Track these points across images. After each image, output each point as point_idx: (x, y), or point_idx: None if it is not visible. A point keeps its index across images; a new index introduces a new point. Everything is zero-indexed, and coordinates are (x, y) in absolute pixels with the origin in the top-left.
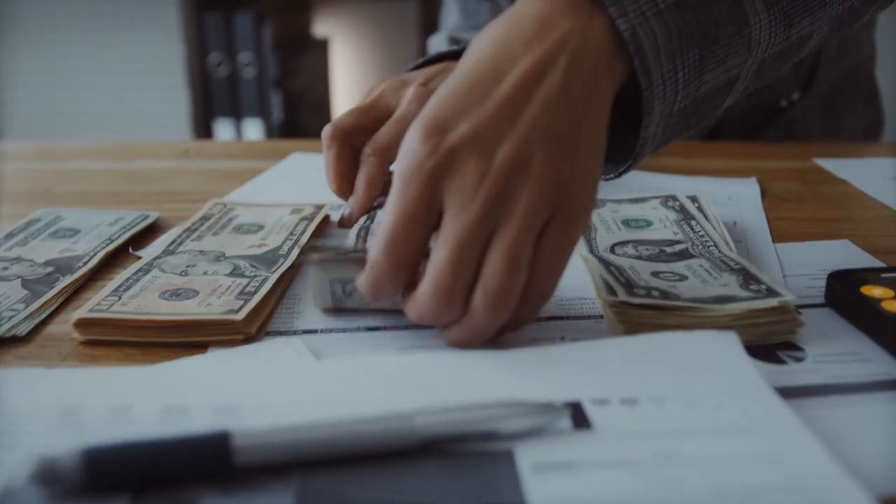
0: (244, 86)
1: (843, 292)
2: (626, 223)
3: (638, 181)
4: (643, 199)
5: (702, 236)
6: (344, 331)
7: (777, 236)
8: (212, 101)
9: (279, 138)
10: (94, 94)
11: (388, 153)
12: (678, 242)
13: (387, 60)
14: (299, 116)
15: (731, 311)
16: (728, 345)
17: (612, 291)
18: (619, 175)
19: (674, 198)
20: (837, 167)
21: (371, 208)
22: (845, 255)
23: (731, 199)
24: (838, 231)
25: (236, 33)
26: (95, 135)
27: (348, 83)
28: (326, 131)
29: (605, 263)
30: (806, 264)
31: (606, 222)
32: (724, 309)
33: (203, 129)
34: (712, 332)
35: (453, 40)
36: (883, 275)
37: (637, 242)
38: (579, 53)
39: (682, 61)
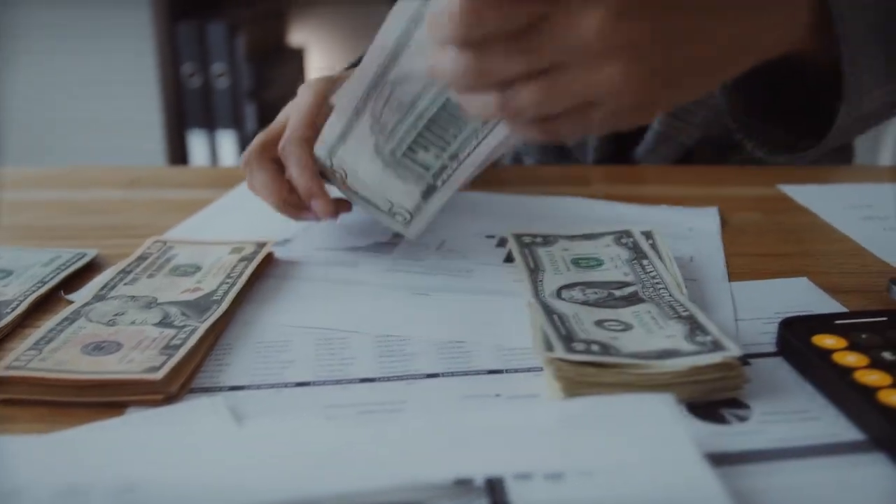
0: (217, 97)
1: (794, 342)
2: (577, 262)
3: (598, 212)
4: (596, 236)
5: (653, 277)
6: (272, 386)
7: (734, 273)
8: (185, 113)
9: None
10: (65, 105)
11: (302, 139)
12: (628, 285)
13: None
14: None
15: (672, 368)
16: (663, 410)
17: (550, 346)
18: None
19: (628, 234)
20: (801, 194)
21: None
22: (803, 295)
23: (691, 230)
24: (797, 267)
25: (209, 43)
26: (66, 145)
27: None
28: (245, 159)
29: (549, 311)
30: (761, 306)
31: (556, 262)
32: (665, 366)
33: (176, 141)
34: (647, 396)
35: None
36: (837, 322)
37: (585, 285)
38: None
39: (876, 61)
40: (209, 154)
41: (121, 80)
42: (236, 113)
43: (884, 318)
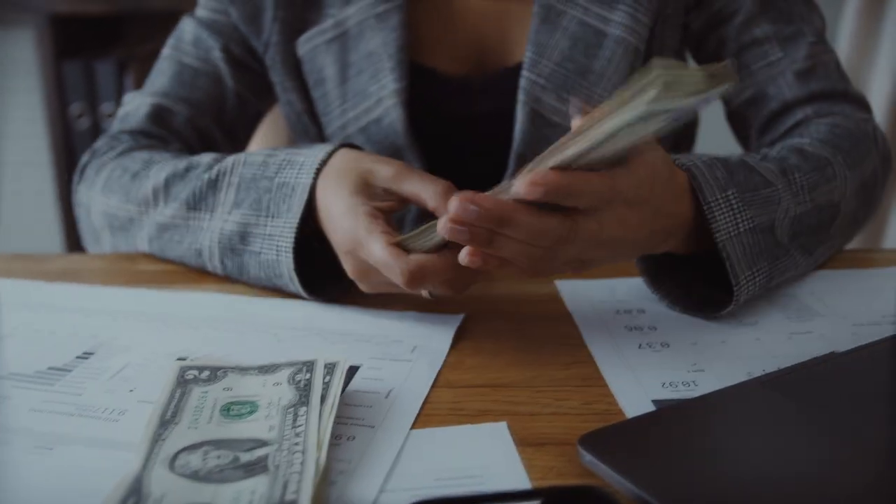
0: None
1: None
2: (227, 410)
3: (332, 324)
4: (274, 368)
5: (297, 434)
6: None
7: (428, 415)
8: (74, 155)
9: None
10: None
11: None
12: (264, 444)
13: None
14: None
15: None
16: None
17: None
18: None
19: (310, 366)
20: (573, 292)
21: None
22: (486, 450)
23: (417, 349)
24: (510, 403)
25: (98, 82)
26: None
27: None
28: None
29: (129, 493)
30: (425, 469)
31: (202, 409)
32: None
33: (66, 184)
34: None
35: (160, 108)
36: None
37: (214, 445)
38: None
39: (758, 269)
40: None
41: (6, 120)
42: None
43: (538, 503)
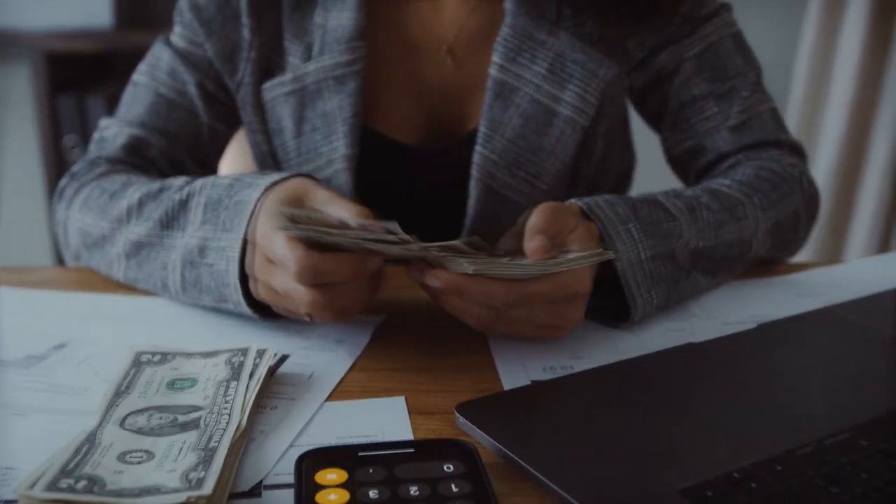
0: None
1: (299, 475)
2: (172, 384)
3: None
4: (214, 353)
5: (227, 402)
6: None
7: (342, 391)
8: None
9: None
10: None
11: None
12: (199, 409)
13: None
14: None
15: None
16: None
17: (33, 483)
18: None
19: (244, 352)
20: None
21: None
22: (386, 416)
23: (340, 341)
24: (410, 384)
25: (90, 116)
26: None
27: None
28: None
29: (88, 440)
30: (329, 432)
31: (151, 384)
32: None
33: None
34: None
35: (136, 140)
36: (360, 454)
37: (157, 409)
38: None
39: (656, 292)
40: None
41: (3, 151)
42: None
43: (410, 450)
